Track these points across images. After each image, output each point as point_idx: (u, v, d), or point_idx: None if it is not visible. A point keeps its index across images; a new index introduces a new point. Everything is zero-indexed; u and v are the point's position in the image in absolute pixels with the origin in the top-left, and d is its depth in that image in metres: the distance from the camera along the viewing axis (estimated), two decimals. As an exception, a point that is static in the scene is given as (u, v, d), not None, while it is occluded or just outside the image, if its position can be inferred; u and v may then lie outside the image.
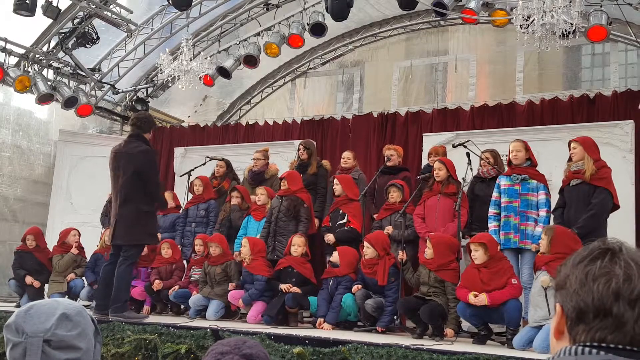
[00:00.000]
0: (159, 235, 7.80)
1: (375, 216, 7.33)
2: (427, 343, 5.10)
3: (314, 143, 8.82)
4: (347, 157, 7.94)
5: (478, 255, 5.55)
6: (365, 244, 6.44)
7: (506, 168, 6.53)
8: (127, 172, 6.14)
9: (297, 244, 6.71)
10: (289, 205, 7.25)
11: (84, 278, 8.10)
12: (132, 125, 6.50)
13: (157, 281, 7.36)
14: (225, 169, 8.67)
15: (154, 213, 6.46)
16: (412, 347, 4.76)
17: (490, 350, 4.90)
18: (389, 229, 6.82)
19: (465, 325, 6.13)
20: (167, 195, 8.62)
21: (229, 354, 1.48)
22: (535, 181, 6.10)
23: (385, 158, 7.71)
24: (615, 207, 5.86)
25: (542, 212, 6.01)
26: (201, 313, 7.05)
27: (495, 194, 6.25)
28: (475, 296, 5.36)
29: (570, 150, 5.99)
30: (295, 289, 6.48)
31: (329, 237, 7.13)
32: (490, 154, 6.86)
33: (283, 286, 6.51)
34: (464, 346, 5.10)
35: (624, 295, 1.11)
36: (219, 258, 7.16)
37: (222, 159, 8.79)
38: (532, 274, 5.92)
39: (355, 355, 4.76)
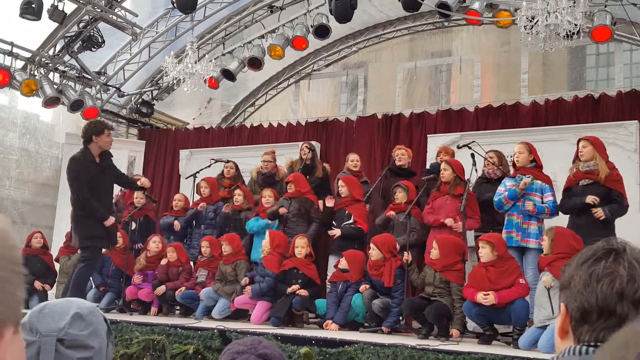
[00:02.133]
0: (158, 237, 7.93)
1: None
2: (432, 343, 5.11)
3: (316, 144, 8.84)
4: (356, 160, 7.88)
5: (484, 252, 5.56)
6: (372, 245, 6.45)
7: (512, 169, 6.54)
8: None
9: (301, 245, 6.73)
10: (300, 207, 7.28)
11: (91, 279, 8.13)
12: None
13: (158, 288, 7.40)
14: (235, 171, 8.70)
15: (94, 217, 6.59)
16: (417, 347, 4.77)
17: (495, 350, 4.91)
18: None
19: (471, 325, 6.13)
20: (178, 196, 8.65)
21: (245, 353, 1.50)
22: (540, 182, 6.11)
23: (392, 158, 7.70)
24: None
25: (548, 197, 6.05)
26: (209, 312, 7.08)
27: (501, 188, 6.24)
28: (486, 295, 5.36)
29: (578, 148, 5.97)
30: (303, 292, 6.50)
31: (334, 232, 7.15)
32: (495, 154, 6.87)
33: (293, 288, 6.53)
34: (470, 346, 5.11)
35: (628, 296, 1.12)
36: (230, 257, 7.20)
37: (229, 161, 8.81)
38: (536, 274, 5.92)
39: (361, 356, 4.78)
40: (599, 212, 5.63)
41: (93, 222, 6.57)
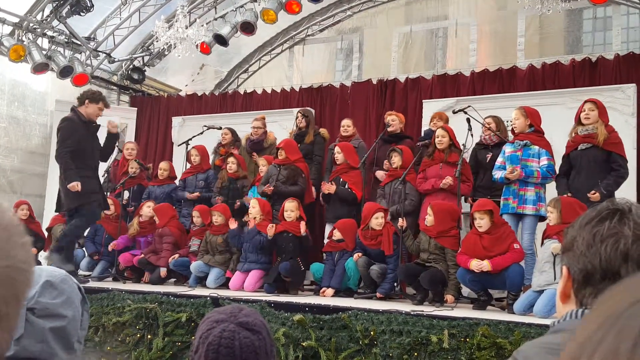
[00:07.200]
0: (152, 202, 7.83)
1: (380, 175, 7.27)
2: (427, 309, 5.10)
3: (312, 111, 8.72)
4: (346, 125, 7.86)
5: (484, 223, 5.49)
6: (381, 214, 6.34)
7: (510, 135, 6.46)
8: None
9: (290, 209, 6.69)
10: (288, 175, 7.21)
11: (84, 248, 8.09)
12: None
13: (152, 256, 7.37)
14: (231, 136, 8.58)
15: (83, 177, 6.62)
16: (412, 313, 4.75)
17: (490, 315, 4.89)
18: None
19: (465, 291, 6.13)
20: (163, 165, 8.52)
21: (224, 322, 1.44)
22: (537, 147, 6.02)
23: (386, 125, 7.63)
24: None
25: (544, 161, 5.95)
26: (202, 282, 7.05)
27: (500, 159, 6.18)
28: (480, 262, 5.32)
29: (584, 110, 5.85)
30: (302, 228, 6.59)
31: (329, 187, 7.11)
32: (493, 119, 6.79)
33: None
34: (464, 312, 5.10)
35: (633, 257, 1.07)
36: (221, 228, 7.14)
37: (221, 128, 8.68)
38: (532, 239, 5.90)
39: (355, 322, 4.76)
40: (595, 196, 5.54)
41: (85, 180, 6.57)
